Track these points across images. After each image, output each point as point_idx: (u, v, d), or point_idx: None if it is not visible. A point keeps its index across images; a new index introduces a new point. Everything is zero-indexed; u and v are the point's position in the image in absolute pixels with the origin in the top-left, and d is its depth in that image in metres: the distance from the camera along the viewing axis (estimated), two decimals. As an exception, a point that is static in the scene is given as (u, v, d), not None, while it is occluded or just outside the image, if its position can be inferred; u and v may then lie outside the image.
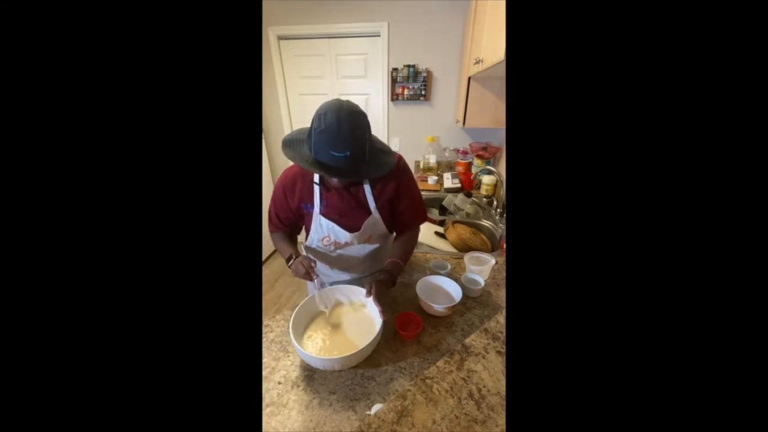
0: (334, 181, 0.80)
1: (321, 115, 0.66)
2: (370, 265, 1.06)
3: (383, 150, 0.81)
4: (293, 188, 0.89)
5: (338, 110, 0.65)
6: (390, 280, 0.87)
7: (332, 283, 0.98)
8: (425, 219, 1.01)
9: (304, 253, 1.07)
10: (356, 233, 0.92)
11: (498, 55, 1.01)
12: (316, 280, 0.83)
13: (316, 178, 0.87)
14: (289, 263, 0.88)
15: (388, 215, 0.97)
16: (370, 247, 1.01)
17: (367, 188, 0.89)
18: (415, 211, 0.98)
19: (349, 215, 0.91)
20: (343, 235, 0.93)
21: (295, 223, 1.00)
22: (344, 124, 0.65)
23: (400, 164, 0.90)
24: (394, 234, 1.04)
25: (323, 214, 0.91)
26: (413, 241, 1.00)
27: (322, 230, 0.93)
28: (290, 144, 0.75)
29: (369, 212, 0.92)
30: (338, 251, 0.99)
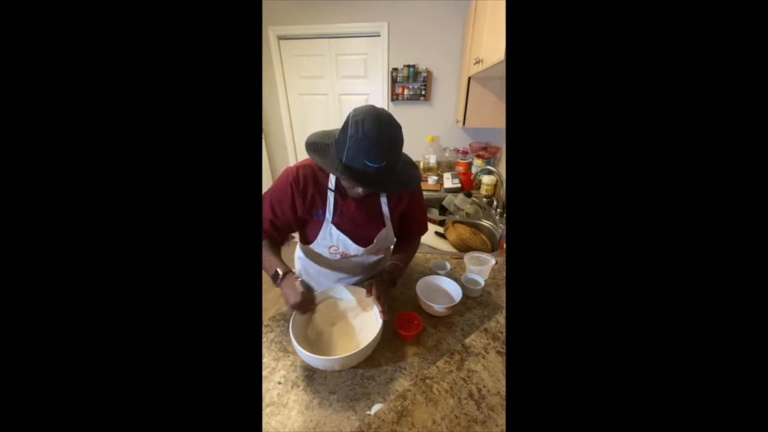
0: (358, 190, 0.74)
1: (358, 121, 0.62)
2: (368, 272, 1.06)
3: (410, 162, 0.80)
4: (304, 191, 0.80)
5: (377, 119, 0.62)
6: (390, 281, 0.87)
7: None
8: (427, 229, 1.02)
9: (299, 254, 1.04)
10: (368, 247, 0.89)
11: (498, 55, 1.01)
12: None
13: (332, 184, 0.81)
14: (278, 283, 0.78)
15: (398, 227, 0.95)
16: (374, 258, 1.01)
17: (383, 199, 0.87)
18: (422, 223, 0.99)
19: (363, 226, 0.87)
20: (354, 249, 0.88)
21: (290, 231, 0.90)
22: (384, 135, 0.62)
23: None
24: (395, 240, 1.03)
25: (335, 223, 0.85)
26: (415, 248, 1.00)
27: (331, 240, 0.88)
28: (316, 148, 0.70)
29: (383, 224, 0.89)
30: (343, 260, 0.96)
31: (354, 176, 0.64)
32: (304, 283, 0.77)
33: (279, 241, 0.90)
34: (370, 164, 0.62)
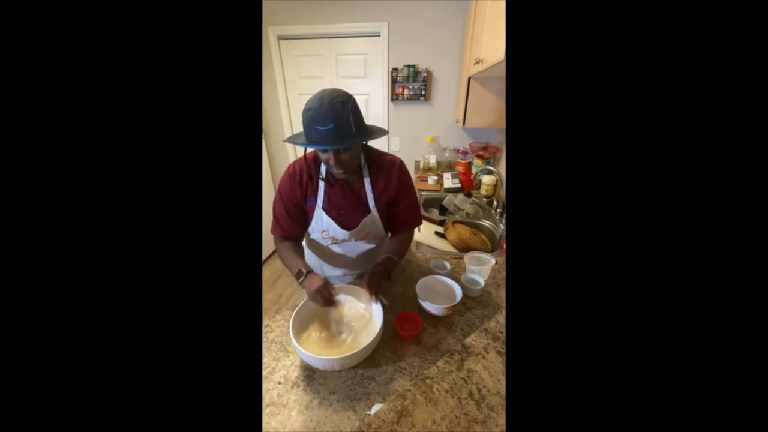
0: (337, 171, 0.82)
1: (308, 101, 0.75)
2: (364, 264, 1.08)
3: (376, 128, 0.84)
4: (300, 180, 0.91)
5: (321, 93, 0.73)
6: (384, 272, 0.89)
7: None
8: (420, 223, 1.05)
9: (319, 252, 1.10)
10: (353, 231, 0.95)
11: (498, 55, 1.01)
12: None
13: (322, 173, 0.91)
14: (301, 280, 0.85)
15: (386, 217, 0.99)
16: (365, 246, 1.04)
17: (368, 187, 0.92)
18: (411, 214, 1.02)
19: (348, 213, 0.94)
20: (341, 233, 0.95)
21: (303, 222, 0.98)
22: (326, 101, 0.71)
23: (401, 169, 0.95)
24: (389, 234, 1.07)
25: (325, 209, 0.93)
26: (408, 240, 1.03)
27: (322, 224, 0.96)
28: (292, 137, 0.83)
29: (368, 210, 0.95)
30: (335, 246, 1.02)
31: (310, 141, 0.76)
32: (324, 279, 0.83)
33: (300, 237, 1.01)
34: (320, 128, 0.72)
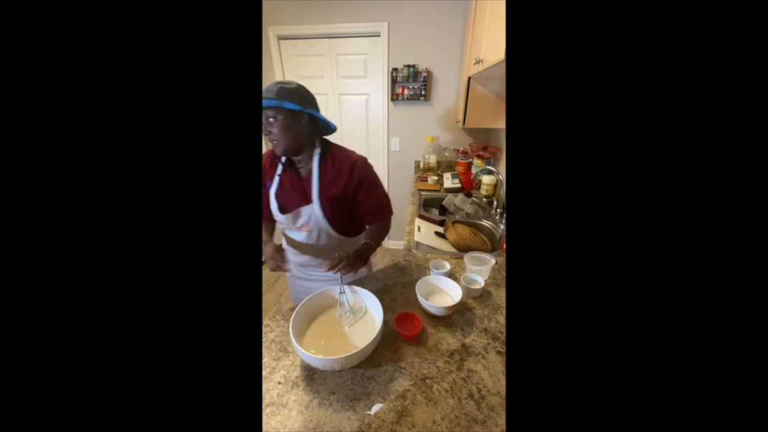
0: (275, 144, 0.88)
1: None
2: (327, 253, 1.08)
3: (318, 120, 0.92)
4: (267, 169, 1.03)
5: None
6: (362, 256, 0.95)
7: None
8: (388, 214, 1.06)
9: (282, 240, 1.15)
10: (288, 215, 1.01)
11: (498, 55, 1.01)
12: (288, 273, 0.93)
13: (283, 158, 0.99)
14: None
15: (335, 213, 1.00)
16: (310, 238, 1.05)
17: (315, 178, 0.96)
18: (373, 206, 1.02)
19: (291, 199, 1.01)
20: (281, 218, 1.03)
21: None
22: (270, 85, 0.82)
23: (357, 166, 0.96)
24: (352, 234, 1.12)
25: (276, 194, 1.02)
26: (384, 228, 1.07)
27: (274, 209, 1.04)
28: None
29: (309, 201, 0.99)
30: (291, 233, 1.09)
31: None
32: (277, 246, 0.98)
33: (270, 223, 1.10)
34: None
